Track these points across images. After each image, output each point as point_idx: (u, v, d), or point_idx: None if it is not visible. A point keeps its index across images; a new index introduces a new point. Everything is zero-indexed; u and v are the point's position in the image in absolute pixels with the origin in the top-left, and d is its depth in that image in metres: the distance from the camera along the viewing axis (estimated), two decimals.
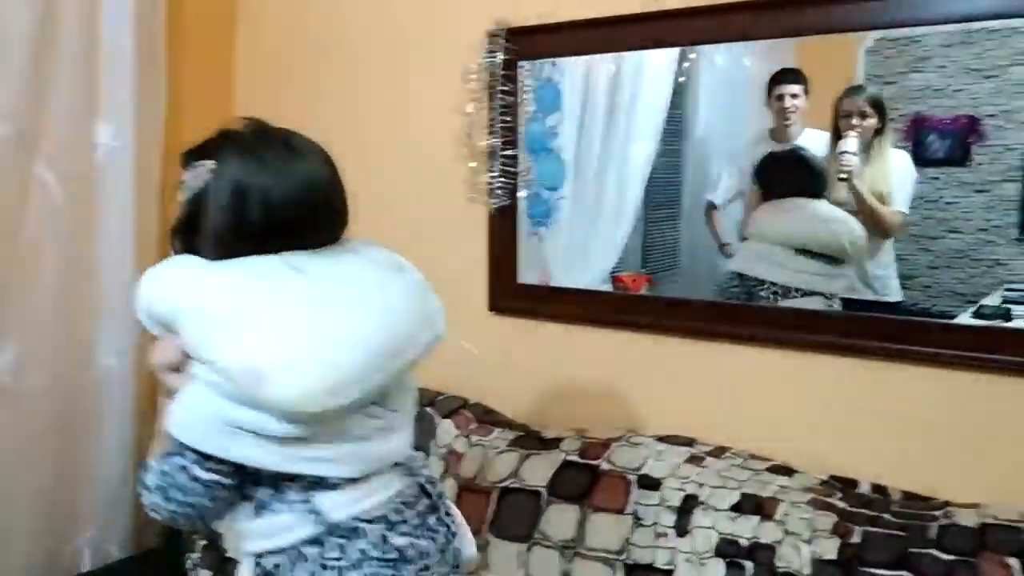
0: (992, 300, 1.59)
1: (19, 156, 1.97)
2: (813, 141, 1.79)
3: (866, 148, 1.67)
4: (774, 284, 1.76)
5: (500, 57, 1.90)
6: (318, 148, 1.21)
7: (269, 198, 1.12)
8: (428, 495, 1.27)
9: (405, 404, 1.27)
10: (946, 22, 1.51)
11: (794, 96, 1.78)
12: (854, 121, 1.67)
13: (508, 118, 1.93)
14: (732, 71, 1.87)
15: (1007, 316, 1.54)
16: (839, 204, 1.72)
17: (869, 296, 1.71)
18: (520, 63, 1.91)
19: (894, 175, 1.68)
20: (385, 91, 2.18)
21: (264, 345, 1.06)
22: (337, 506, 1.15)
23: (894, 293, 1.68)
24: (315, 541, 1.15)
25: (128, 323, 2.16)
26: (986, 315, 1.57)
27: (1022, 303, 1.55)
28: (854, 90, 1.68)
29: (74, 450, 2.14)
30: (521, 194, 1.97)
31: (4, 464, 2.01)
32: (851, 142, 1.67)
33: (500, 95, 1.92)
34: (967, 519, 1.37)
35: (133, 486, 2.24)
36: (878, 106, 1.66)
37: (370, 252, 1.24)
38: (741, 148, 1.91)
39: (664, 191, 1.99)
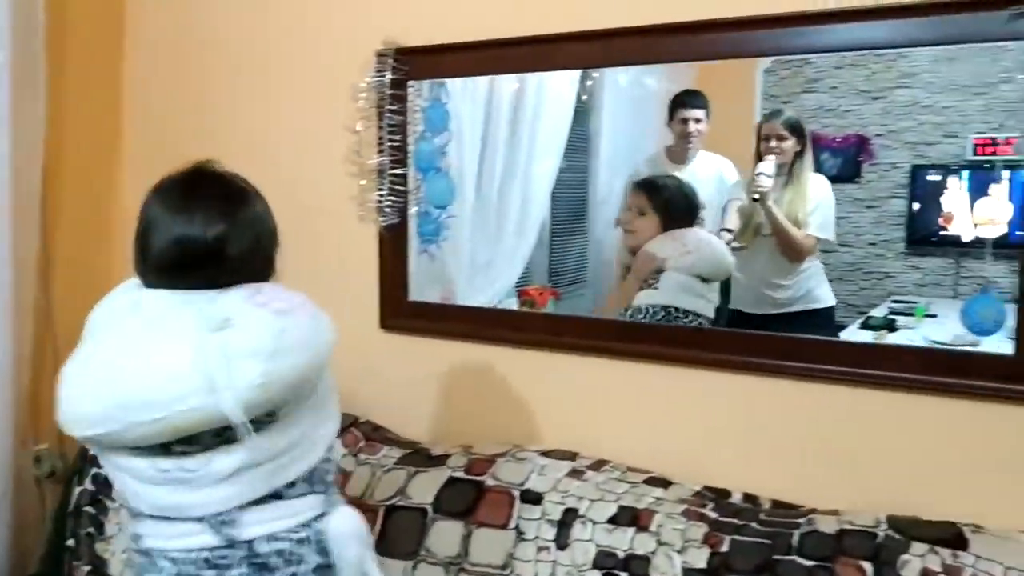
0: (879, 312, 1.67)
1: None
2: (706, 164, 1.86)
3: (788, 171, 1.72)
4: (698, 315, 1.79)
5: (389, 77, 1.91)
6: (218, 205, 1.24)
7: (146, 240, 1.23)
8: (264, 568, 1.23)
9: (220, 467, 1.19)
10: (835, 51, 1.58)
11: (697, 120, 1.83)
12: (772, 144, 1.72)
13: (397, 137, 1.94)
14: (635, 90, 1.91)
15: (892, 327, 1.62)
16: (758, 227, 1.77)
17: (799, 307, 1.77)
18: (409, 83, 1.93)
19: (812, 200, 1.73)
20: (276, 109, 2.17)
21: (66, 367, 1.22)
22: (148, 534, 1.25)
23: (825, 299, 1.74)
24: (139, 552, 1.26)
25: (4, 345, 2.09)
26: (872, 326, 1.65)
27: (907, 314, 1.63)
28: (773, 114, 1.73)
29: None
30: (412, 211, 1.98)
31: None
32: (768, 164, 1.72)
33: (389, 114, 1.93)
34: (827, 526, 1.44)
35: (9, 508, 2.16)
36: (796, 129, 1.72)
37: (212, 304, 1.19)
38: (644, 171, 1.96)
39: (571, 207, 2.03)
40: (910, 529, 1.40)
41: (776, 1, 1.54)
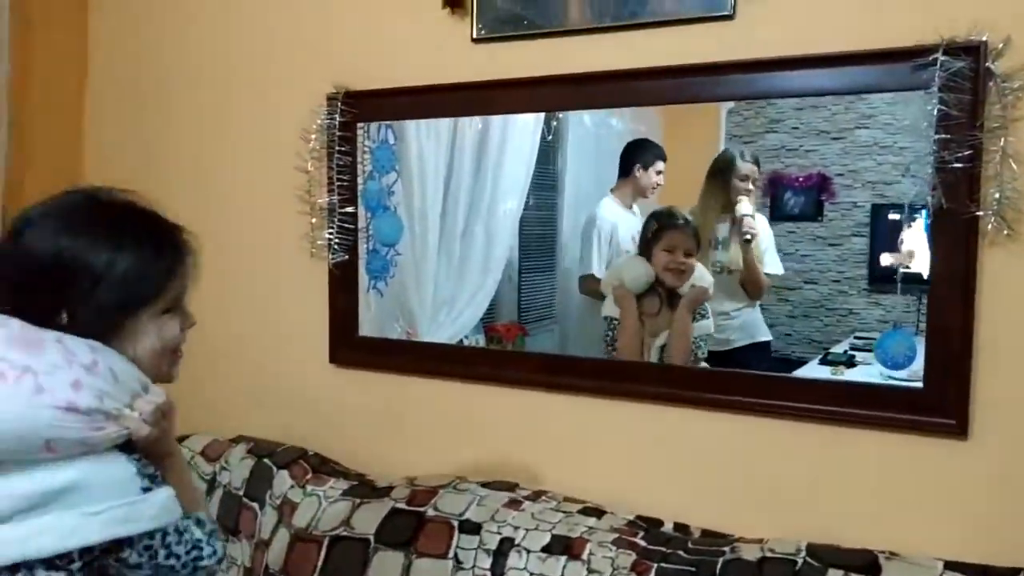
0: (840, 348, 1.70)
1: None
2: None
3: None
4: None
5: (338, 119, 1.98)
6: (67, 239, 1.05)
7: None
8: None
9: None
10: (792, 96, 1.64)
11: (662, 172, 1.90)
12: (749, 185, 1.77)
13: (346, 177, 2.00)
14: (600, 130, 1.97)
15: (851, 363, 1.66)
16: (730, 268, 1.82)
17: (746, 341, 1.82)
18: (358, 125, 2.00)
19: (764, 238, 1.78)
20: (230, 148, 2.23)
21: None
22: None
23: (765, 333, 1.80)
24: None
25: None
26: (831, 362, 1.68)
27: (866, 350, 1.65)
28: (742, 154, 1.77)
29: None
30: (361, 249, 2.04)
31: None
32: (749, 205, 1.76)
33: (339, 155, 2.00)
34: (750, 553, 1.49)
35: None
36: (758, 168, 1.77)
37: None
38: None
39: (539, 243, 2.08)
40: (828, 556, 1.44)
41: (736, 48, 1.61)
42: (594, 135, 1.99)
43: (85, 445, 1.00)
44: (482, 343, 2.07)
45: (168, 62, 2.35)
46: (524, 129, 1.98)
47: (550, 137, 1.98)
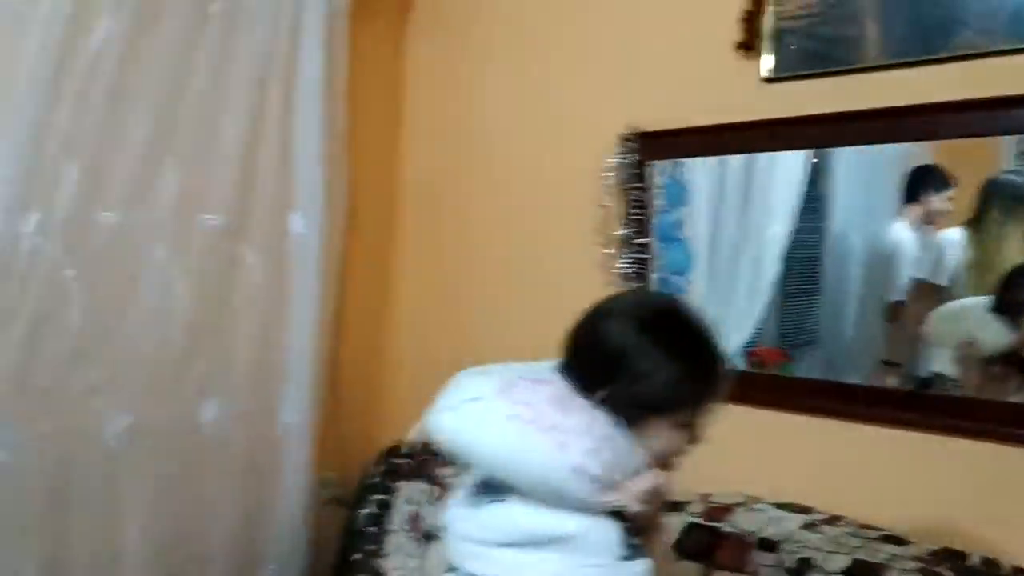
0: None
1: (230, 242, 2.38)
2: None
3: None
4: None
5: (631, 157, 2.14)
6: (634, 336, 1.21)
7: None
8: None
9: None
10: None
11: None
12: None
13: (639, 211, 2.16)
14: (870, 152, 1.94)
15: None
16: None
17: None
18: (650, 162, 2.15)
19: None
20: (533, 186, 2.46)
21: None
22: None
23: None
24: None
25: (307, 387, 2.50)
26: None
27: None
28: None
29: (261, 493, 2.48)
30: (652, 278, 2.19)
31: (207, 502, 2.37)
32: None
33: (632, 191, 2.16)
34: None
35: (310, 526, 2.55)
36: None
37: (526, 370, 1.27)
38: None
39: (803, 268, 2.05)
40: None
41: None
42: (865, 158, 1.96)
43: (584, 505, 1.15)
44: (743, 367, 2.09)
45: (478, 118, 2.62)
46: (794, 155, 2.02)
47: (816, 160, 1.99)
